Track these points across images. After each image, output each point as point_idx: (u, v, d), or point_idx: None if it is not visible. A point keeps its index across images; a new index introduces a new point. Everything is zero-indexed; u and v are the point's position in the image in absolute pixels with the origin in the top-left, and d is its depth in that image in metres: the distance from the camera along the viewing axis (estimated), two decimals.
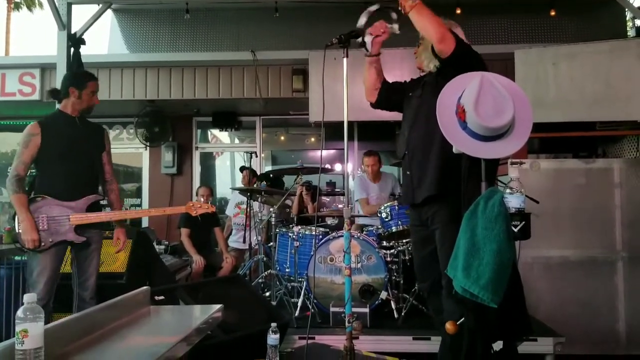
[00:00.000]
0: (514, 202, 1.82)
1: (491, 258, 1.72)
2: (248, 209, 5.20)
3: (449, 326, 1.78)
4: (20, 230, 3.07)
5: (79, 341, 1.56)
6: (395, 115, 2.91)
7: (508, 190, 1.84)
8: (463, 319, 1.84)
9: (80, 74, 3.55)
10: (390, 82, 2.88)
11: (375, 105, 2.89)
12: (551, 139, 6.03)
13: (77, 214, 3.19)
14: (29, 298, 1.23)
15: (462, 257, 1.79)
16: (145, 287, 2.16)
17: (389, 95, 2.84)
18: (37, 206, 3.14)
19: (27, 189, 3.18)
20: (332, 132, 7.84)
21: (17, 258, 4.22)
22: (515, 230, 1.78)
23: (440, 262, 2.37)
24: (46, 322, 3.16)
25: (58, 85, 3.48)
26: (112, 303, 1.89)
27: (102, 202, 3.44)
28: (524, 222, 1.80)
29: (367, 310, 3.78)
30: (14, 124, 7.66)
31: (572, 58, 5.32)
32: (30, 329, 1.22)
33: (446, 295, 2.25)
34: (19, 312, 1.22)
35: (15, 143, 3.18)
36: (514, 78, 5.17)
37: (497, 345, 1.89)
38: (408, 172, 2.56)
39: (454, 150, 2.00)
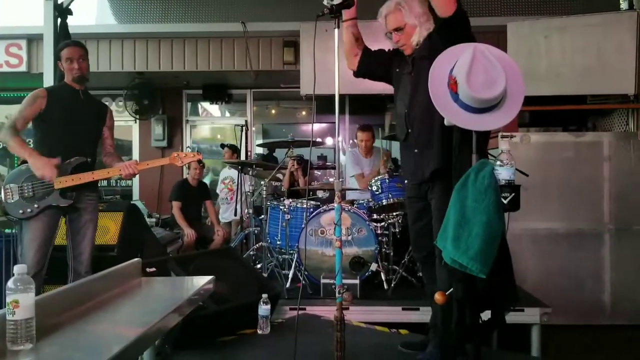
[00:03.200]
0: (504, 174, 1.83)
1: (480, 229, 1.74)
2: (238, 182, 5.20)
3: (438, 297, 1.81)
4: (35, 171, 3.03)
5: (70, 312, 1.57)
6: (386, 88, 2.87)
7: (498, 163, 1.85)
8: (452, 289, 1.87)
9: (59, 45, 3.46)
10: (373, 50, 2.81)
11: (357, 73, 2.83)
12: (542, 113, 6.04)
13: (60, 177, 3.10)
14: (19, 269, 1.23)
15: (451, 228, 1.80)
16: (136, 259, 2.17)
17: (370, 63, 2.78)
18: (20, 174, 3.10)
19: None
20: (323, 105, 7.77)
21: (7, 231, 4.19)
22: (505, 202, 1.80)
23: (434, 233, 2.40)
24: (37, 293, 3.19)
25: (43, 56, 3.45)
26: (103, 274, 1.90)
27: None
28: (513, 194, 1.81)
29: (357, 281, 3.81)
30: (2, 96, 7.55)
31: (564, 31, 5.30)
32: (21, 299, 1.22)
33: (440, 265, 2.28)
34: (10, 283, 1.22)
35: (4, 116, 3.13)
36: (506, 51, 5.14)
37: (486, 315, 1.92)
38: (416, 150, 2.54)
39: (446, 122, 2.00)
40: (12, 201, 3.07)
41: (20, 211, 3.06)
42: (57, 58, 3.32)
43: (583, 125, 6.44)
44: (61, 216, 3.22)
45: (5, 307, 1.24)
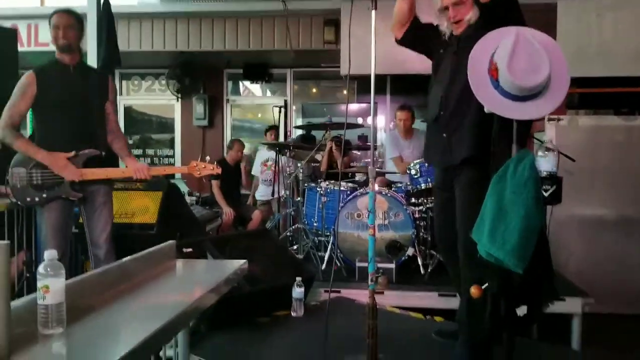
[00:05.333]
0: (545, 165, 1.76)
1: (518, 223, 1.67)
2: (276, 164, 5.21)
3: (473, 290, 1.76)
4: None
5: (103, 295, 1.59)
6: (429, 69, 2.79)
7: (540, 154, 1.77)
8: (487, 284, 1.81)
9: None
10: (422, 22, 2.71)
11: (401, 41, 2.72)
12: (591, 95, 5.79)
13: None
14: (49, 255, 1.25)
15: (488, 221, 1.74)
16: (171, 241, 2.19)
17: (417, 35, 2.67)
18: (29, 158, 2.97)
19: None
20: (364, 85, 7.72)
21: None
22: (546, 195, 1.72)
23: (459, 224, 2.33)
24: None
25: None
26: (137, 257, 1.91)
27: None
28: (555, 187, 1.74)
29: (393, 266, 3.78)
30: None
31: (617, 9, 5.04)
32: (52, 284, 1.23)
33: (464, 258, 2.22)
34: (40, 268, 1.24)
35: None
36: (556, 31, 4.93)
37: (521, 310, 1.87)
38: (444, 134, 2.45)
39: (485, 110, 1.92)
40: (20, 186, 2.98)
41: (28, 199, 2.98)
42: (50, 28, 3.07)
43: (635, 108, 6.14)
44: (74, 204, 3.11)
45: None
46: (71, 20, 3.05)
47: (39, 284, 1.23)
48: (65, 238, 3.05)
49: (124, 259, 1.90)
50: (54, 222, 3.00)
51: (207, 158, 3.32)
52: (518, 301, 1.85)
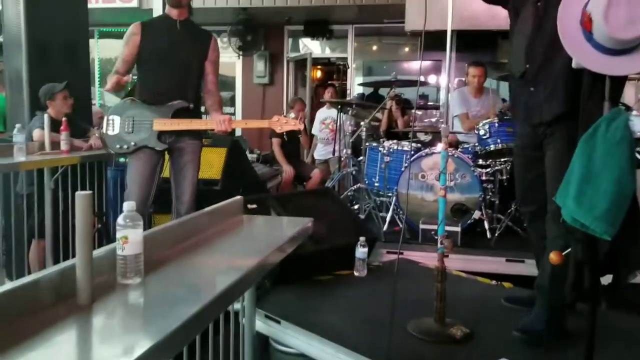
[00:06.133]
0: None
1: (609, 187, 1.55)
2: (337, 122, 5.13)
3: (553, 256, 1.66)
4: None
5: (176, 248, 1.61)
6: (499, 24, 2.62)
7: (635, 113, 1.63)
8: (570, 249, 1.71)
9: None
10: None
11: None
12: None
13: (160, 119, 3.09)
14: (128, 206, 1.25)
15: (575, 183, 1.62)
16: (238, 197, 2.19)
17: None
18: (124, 107, 3.12)
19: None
20: (427, 42, 7.46)
21: (122, 160, 4.41)
22: None
23: (548, 187, 2.20)
24: (144, 227, 3.34)
25: None
26: (207, 211, 1.93)
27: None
28: None
29: (458, 229, 3.69)
30: (116, 30, 7.88)
31: None
32: (130, 235, 1.24)
33: (552, 221, 2.10)
34: (119, 220, 1.25)
35: (118, 50, 3.19)
36: None
37: (607, 279, 1.76)
38: (532, 89, 2.29)
39: (574, 64, 1.78)
40: (112, 134, 3.10)
41: (118, 145, 3.10)
42: None
43: None
44: (162, 155, 3.22)
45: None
46: None
47: (118, 235, 1.24)
48: (150, 189, 3.16)
49: (194, 214, 1.92)
50: (141, 170, 3.12)
51: (292, 115, 3.27)
52: (604, 270, 1.74)
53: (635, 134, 1.65)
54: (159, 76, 3.15)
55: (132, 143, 3.09)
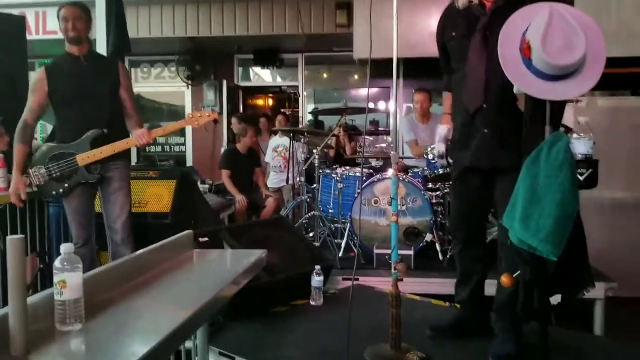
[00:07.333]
0: (580, 148, 1.67)
1: (553, 209, 1.59)
2: (290, 150, 5.13)
3: (504, 279, 1.69)
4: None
5: (119, 289, 1.53)
6: None
7: (575, 135, 1.68)
8: (519, 271, 1.74)
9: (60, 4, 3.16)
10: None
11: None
12: (608, 75, 5.64)
13: (82, 153, 3.08)
14: (65, 248, 1.19)
15: (520, 206, 1.66)
16: (187, 231, 2.13)
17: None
18: (44, 155, 3.11)
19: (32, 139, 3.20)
20: (376, 69, 7.58)
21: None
22: (581, 178, 1.64)
23: (500, 213, 2.19)
24: (91, 260, 3.21)
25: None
26: (153, 248, 1.86)
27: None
28: (591, 170, 1.65)
29: (411, 252, 3.72)
30: None
31: None
32: (69, 279, 1.18)
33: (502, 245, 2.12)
34: (56, 263, 1.18)
35: None
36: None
37: (555, 299, 1.79)
38: (486, 130, 2.18)
39: (515, 90, 1.83)
40: (43, 183, 3.10)
41: (53, 192, 3.11)
42: (57, 18, 3.13)
43: None
44: (96, 188, 3.22)
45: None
46: (79, 12, 3.10)
47: (56, 279, 1.17)
48: (90, 225, 3.19)
49: (141, 251, 1.84)
50: (78, 208, 3.14)
51: (205, 107, 3.34)
52: (552, 290, 1.77)
53: (576, 156, 1.70)
54: (74, 114, 3.14)
55: (66, 185, 3.10)
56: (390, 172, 3.81)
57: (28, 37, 4.56)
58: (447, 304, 3.01)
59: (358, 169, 4.38)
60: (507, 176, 2.14)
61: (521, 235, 1.64)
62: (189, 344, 2.08)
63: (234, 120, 6.31)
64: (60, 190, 3.09)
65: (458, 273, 2.59)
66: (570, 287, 1.80)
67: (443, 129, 2.53)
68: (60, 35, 3.21)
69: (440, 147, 2.52)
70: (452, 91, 2.48)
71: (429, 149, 4.07)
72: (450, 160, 2.52)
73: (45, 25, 6.71)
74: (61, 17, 3.09)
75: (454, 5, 2.35)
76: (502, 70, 1.92)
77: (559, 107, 1.85)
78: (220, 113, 7.82)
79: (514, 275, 1.70)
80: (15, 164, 3.08)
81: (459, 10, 2.30)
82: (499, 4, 2.17)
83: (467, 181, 2.39)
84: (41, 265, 3.60)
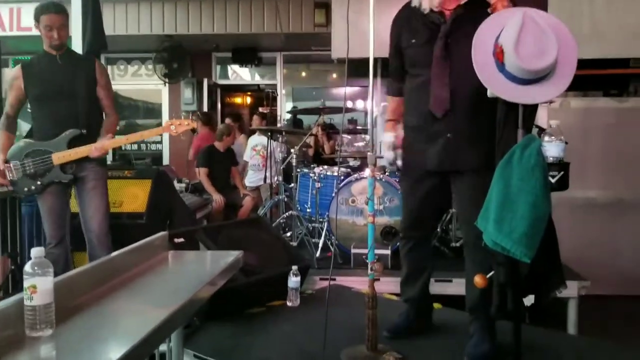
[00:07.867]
0: (552, 150, 1.70)
1: (526, 211, 1.61)
2: (268, 149, 5.12)
3: (478, 280, 1.71)
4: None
5: (91, 293, 1.51)
6: None
7: (546, 138, 1.71)
8: (493, 272, 1.76)
9: (38, 7, 3.10)
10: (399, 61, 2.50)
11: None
12: (581, 77, 5.74)
13: (58, 152, 3.05)
14: (36, 252, 1.17)
15: (494, 209, 1.68)
16: (162, 233, 2.12)
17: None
18: (20, 151, 3.09)
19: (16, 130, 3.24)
20: (354, 68, 7.62)
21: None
22: (553, 181, 1.67)
23: (469, 213, 2.20)
24: (66, 261, 3.18)
25: (73, 18, 3.31)
26: (127, 250, 1.84)
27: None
28: (562, 173, 1.68)
29: (388, 252, 3.74)
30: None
31: None
32: (39, 284, 1.16)
33: (473, 247, 2.15)
34: (27, 267, 1.16)
35: None
36: (547, 11, 4.85)
37: (529, 300, 1.82)
38: (449, 135, 2.19)
39: (488, 94, 1.85)
40: (16, 179, 3.08)
41: (25, 189, 3.09)
42: (36, 19, 3.09)
43: (624, 89, 6.12)
44: (70, 188, 3.21)
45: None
46: (62, 20, 3.10)
47: (26, 284, 1.15)
48: (64, 224, 3.17)
49: (114, 253, 1.82)
50: (52, 207, 3.12)
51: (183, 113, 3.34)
52: (525, 291, 1.80)
53: (547, 159, 1.73)
54: (50, 111, 3.12)
55: (39, 182, 3.07)
56: (367, 172, 3.83)
57: (2, 33, 4.46)
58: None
59: (336, 169, 4.39)
60: (466, 177, 2.23)
61: (495, 237, 1.66)
62: (163, 347, 2.06)
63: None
64: (33, 187, 3.07)
65: (404, 272, 2.63)
66: (542, 288, 1.83)
67: (389, 137, 2.52)
68: (35, 32, 3.16)
69: (389, 155, 2.52)
70: (407, 96, 2.46)
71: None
72: (400, 164, 2.51)
73: (20, 22, 6.56)
74: (44, 24, 3.05)
75: (408, 9, 2.35)
76: (467, 76, 1.94)
77: (531, 110, 1.88)
78: (199, 110, 7.77)
79: (487, 276, 1.72)
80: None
81: (416, 16, 2.29)
82: (459, 12, 2.19)
83: (424, 183, 2.38)
84: (12, 267, 3.54)
